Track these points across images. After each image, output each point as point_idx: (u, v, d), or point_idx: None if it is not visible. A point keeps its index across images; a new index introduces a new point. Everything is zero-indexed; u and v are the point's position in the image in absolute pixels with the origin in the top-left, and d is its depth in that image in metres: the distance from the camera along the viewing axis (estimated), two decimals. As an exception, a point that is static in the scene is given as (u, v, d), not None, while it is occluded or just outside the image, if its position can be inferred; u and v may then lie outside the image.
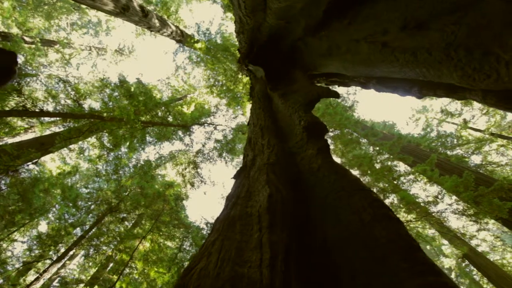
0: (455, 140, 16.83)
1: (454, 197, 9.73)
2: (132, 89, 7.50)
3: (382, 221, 1.21)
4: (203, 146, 11.12)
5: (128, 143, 8.37)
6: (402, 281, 0.98)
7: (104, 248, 11.07)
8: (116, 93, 7.51)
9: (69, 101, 6.53)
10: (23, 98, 5.62)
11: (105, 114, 7.37)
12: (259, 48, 5.24)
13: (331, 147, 15.46)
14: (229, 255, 1.16)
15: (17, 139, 12.19)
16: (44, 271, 8.32)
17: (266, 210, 1.33)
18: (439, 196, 8.05)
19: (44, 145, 8.53)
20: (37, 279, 8.02)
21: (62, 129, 9.83)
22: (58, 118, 9.81)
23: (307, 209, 1.65)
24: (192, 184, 10.73)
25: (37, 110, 5.98)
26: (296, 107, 2.76)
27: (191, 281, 1.03)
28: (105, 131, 8.14)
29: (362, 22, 2.30)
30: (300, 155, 2.11)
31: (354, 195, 1.43)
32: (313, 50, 3.71)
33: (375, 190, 11.92)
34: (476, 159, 18.19)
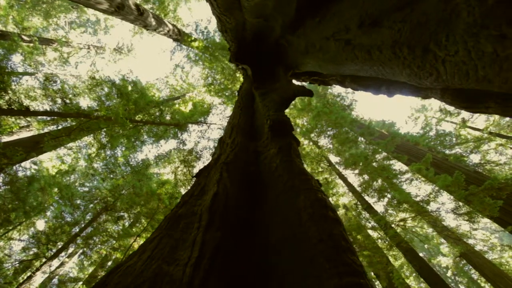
0: (454, 139, 16.71)
1: (449, 196, 9.70)
2: (123, 88, 7.50)
3: (318, 221, 1.20)
4: (196, 145, 11.18)
5: (120, 142, 8.39)
6: (323, 281, 0.97)
7: (101, 247, 11.13)
8: (107, 92, 7.51)
9: (58, 100, 6.54)
10: (8, 97, 5.63)
11: (97, 113, 7.39)
12: (246, 46, 5.24)
13: (329, 146, 15.41)
14: (161, 253, 1.16)
15: (15, 137, 12.28)
16: (37, 269, 8.38)
17: (208, 209, 1.33)
18: (431, 196, 8.01)
19: (39, 143, 8.58)
20: (29, 277, 8.08)
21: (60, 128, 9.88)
22: (54, 117, 9.86)
23: (261, 209, 1.64)
24: (185, 183, 10.78)
25: (23, 109, 6.02)
26: (270, 106, 2.76)
27: (114, 278, 1.03)
28: (101, 130, 8.18)
29: (329, 20, 2.29)
30: (264, 154, 2.10)
31: (300, 195, 1.42)
32: (294, 48, 3.70)
33: (372, 189, 11.90)
34: (475, 158, 18.07)
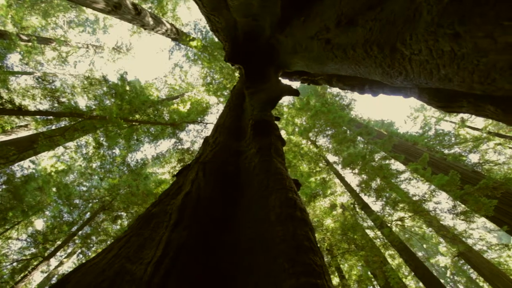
0: (452, 138, 16.65)
1: (446, 196, 9.68)
2: (117, 87, 7.49)
3: (284, 221, 1.20)
4: (192, 144, 11.21)
5: (117, 142, 8.41)
6: (281, 282, 0.97)
7: (99, 246, 11.15)
8: (103, 91, 7.52)
9: (53, 99, 6.55)
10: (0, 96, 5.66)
11: (93, 113, 7.40)
12: (239, 46, 5.23)
13: (327, 145, 15.39)
14: (127, 252, 1.16)
15: (13, 136, 12.30)
16: (33, 268, 8.41)
17: (178, 207, 1.33)
18: (427, 195, 7.99)
19: (34, 143, 8.58)
20: (25, 276, 8.11)
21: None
22: (49, 117, 9.87)
23: (236, 208, 1.64)
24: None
25: (15, 108, 6.03)
26: (256, 105, 2.76)
27: (76, 276, 1.03)
28: (97, 130, 8.19)
29: (313, 19, 2.28)
30: (245, 153, 2.10)
31: (272, 194, 1.42)
32: (284, 48, 3.70)
33: (370, 188, 11.88)
34: (474, 158, 18.00)
